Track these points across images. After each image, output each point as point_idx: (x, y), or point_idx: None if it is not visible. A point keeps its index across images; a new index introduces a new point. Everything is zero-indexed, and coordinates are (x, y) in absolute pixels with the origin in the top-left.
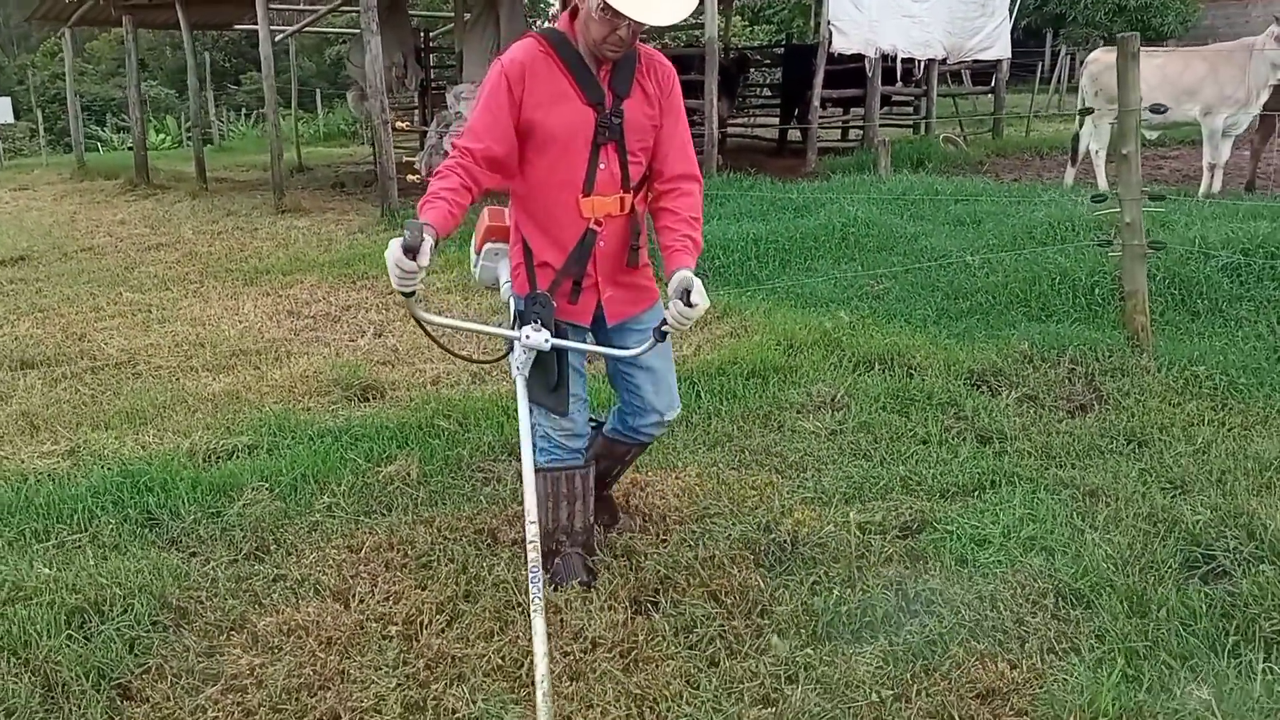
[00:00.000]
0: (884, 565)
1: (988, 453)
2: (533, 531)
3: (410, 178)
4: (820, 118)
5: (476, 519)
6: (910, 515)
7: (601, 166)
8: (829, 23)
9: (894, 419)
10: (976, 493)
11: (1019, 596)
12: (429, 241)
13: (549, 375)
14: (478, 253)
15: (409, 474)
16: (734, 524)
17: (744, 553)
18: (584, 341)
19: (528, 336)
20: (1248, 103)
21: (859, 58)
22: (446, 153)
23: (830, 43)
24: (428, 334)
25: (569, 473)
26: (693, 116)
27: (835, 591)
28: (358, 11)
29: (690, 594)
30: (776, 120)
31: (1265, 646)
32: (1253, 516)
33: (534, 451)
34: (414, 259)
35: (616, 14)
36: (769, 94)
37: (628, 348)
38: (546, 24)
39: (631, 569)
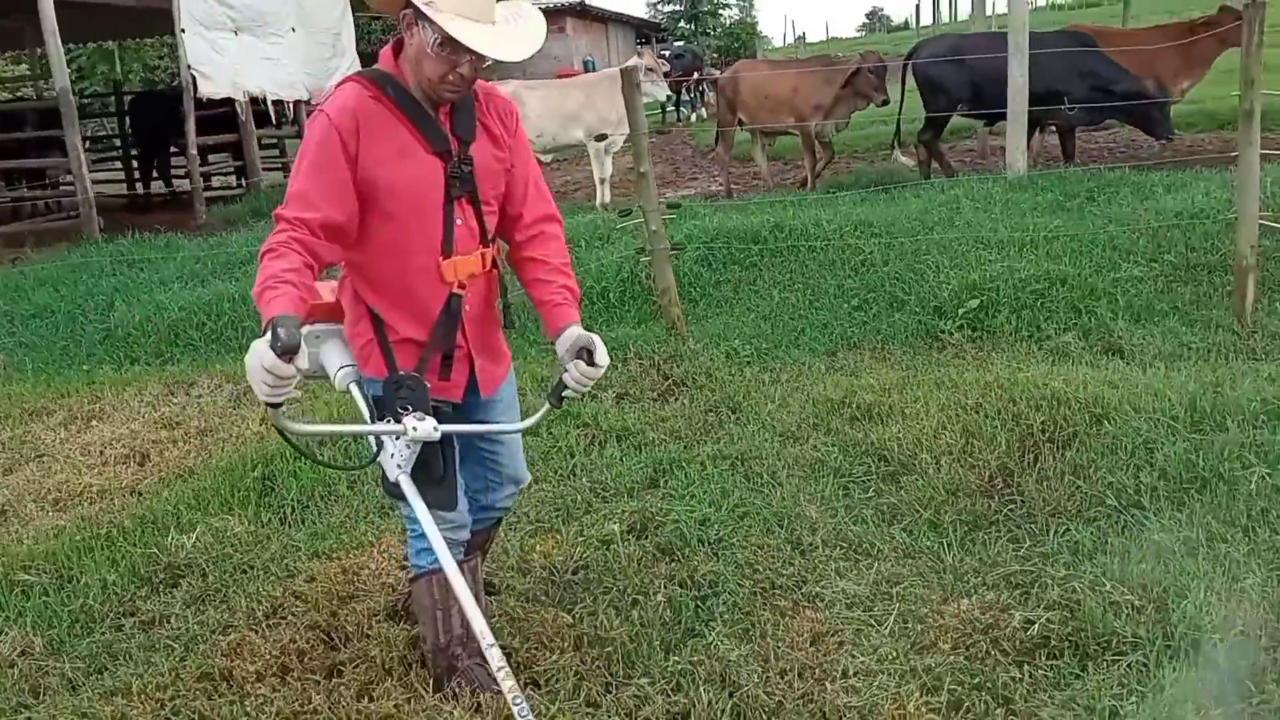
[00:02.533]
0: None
1: (632, 449)
2: (496, 655)
3: None
4: (201, 168)
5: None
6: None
7: (458, 223)
8: (190, 68)
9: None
10: (664, 482)
11: None
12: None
13: (432, 468)
14: None
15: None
16: None
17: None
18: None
19: (414, 428)
20: (621, 124)
21: (229, 101)
22: None
23: (196, 88)
24: (294, 446)
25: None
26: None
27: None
28: None
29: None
30: (122, 174)
31: None
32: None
33: (415, 555)
34: (290, 362)
35: (458, 49)
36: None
37: (498, 421)
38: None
39: None
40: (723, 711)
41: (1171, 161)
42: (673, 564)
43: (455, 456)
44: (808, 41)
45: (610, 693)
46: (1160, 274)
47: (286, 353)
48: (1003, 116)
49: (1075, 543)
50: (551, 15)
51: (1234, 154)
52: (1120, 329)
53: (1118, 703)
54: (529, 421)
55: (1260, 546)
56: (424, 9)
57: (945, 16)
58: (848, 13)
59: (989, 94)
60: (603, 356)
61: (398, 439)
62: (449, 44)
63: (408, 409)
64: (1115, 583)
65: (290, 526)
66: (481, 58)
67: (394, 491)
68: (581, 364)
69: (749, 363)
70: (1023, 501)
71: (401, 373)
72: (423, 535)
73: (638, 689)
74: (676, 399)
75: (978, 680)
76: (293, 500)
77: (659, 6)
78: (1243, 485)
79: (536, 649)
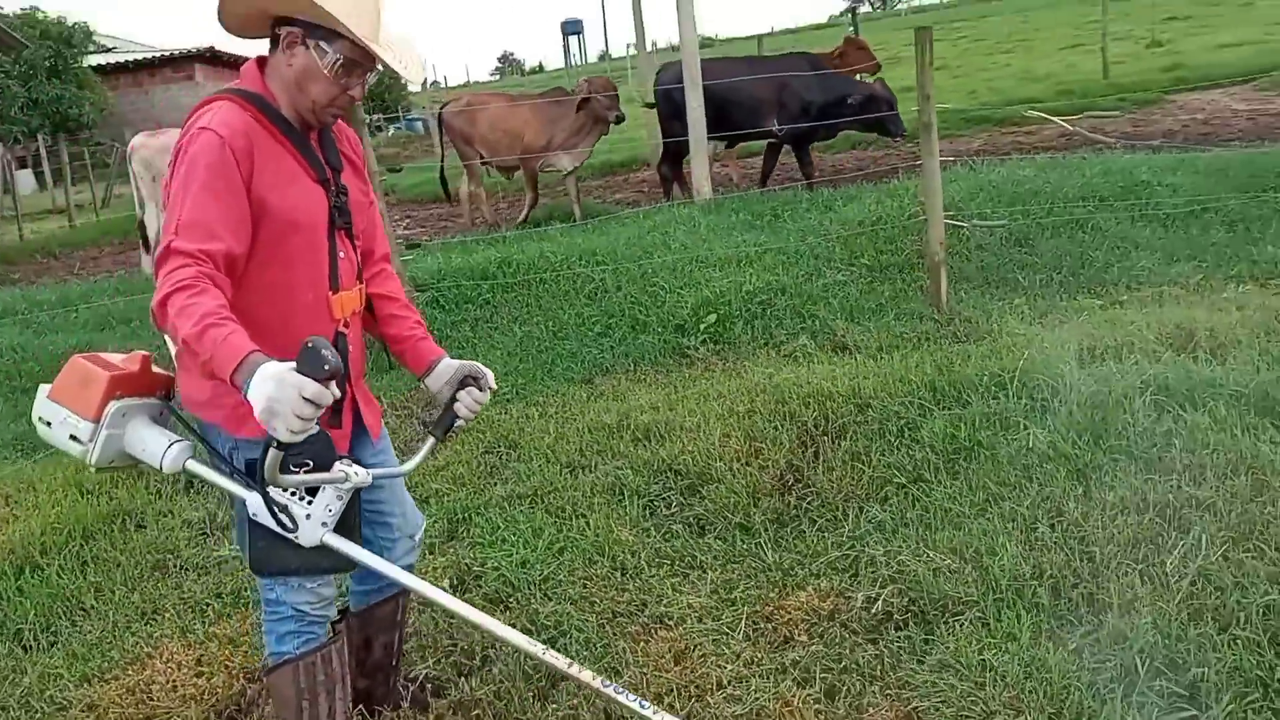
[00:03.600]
0: None
1: (419, 502)
2: None
3: None
4: None
5: None
6: None
7: (341, 256)
8: None
9: None
10: (464, 532)
11: None
12: None
13: (347, 525)
14: (93, 420)
15: None
16: None
17: None
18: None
19: (356, 474)
20: None
21: None
22: None
23: None
24: (270, 507)
25: (326, 652)
26: None
27: None
28: None
29: None
30: None
31: None
32: None
33: (277, 641)
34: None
35: (354, 71)
36: None
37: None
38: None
39: None
40: None
41: (822, 181)
42: (508, 612)
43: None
44: (448, 84)
45: None
46: (859, 276)
47: (333, 377)
48: (744, 138)
49: (878, 522)
50: (180, 63)
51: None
52: (841, 327)
53: (985, 655)
54: (414, 461)
55: (1036, 499)
56: (337, 28)
57: (577, 59)
58: (483, 57)
59: (725, 116)
60: (493, 381)
61: (343, 488)
62: (351, 65)
63: (307, 465)
64: (930, 551)
65: (38, 652)
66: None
67: (283, 566)
68: (474, 390)
69: (509, 400)
70: (817, 493)
71: None
72: (290, 618)
73: None
74: (448, 445)
75: (843, 664)
76: (31, 622)
77: None
78: (1001, 448)
79: None
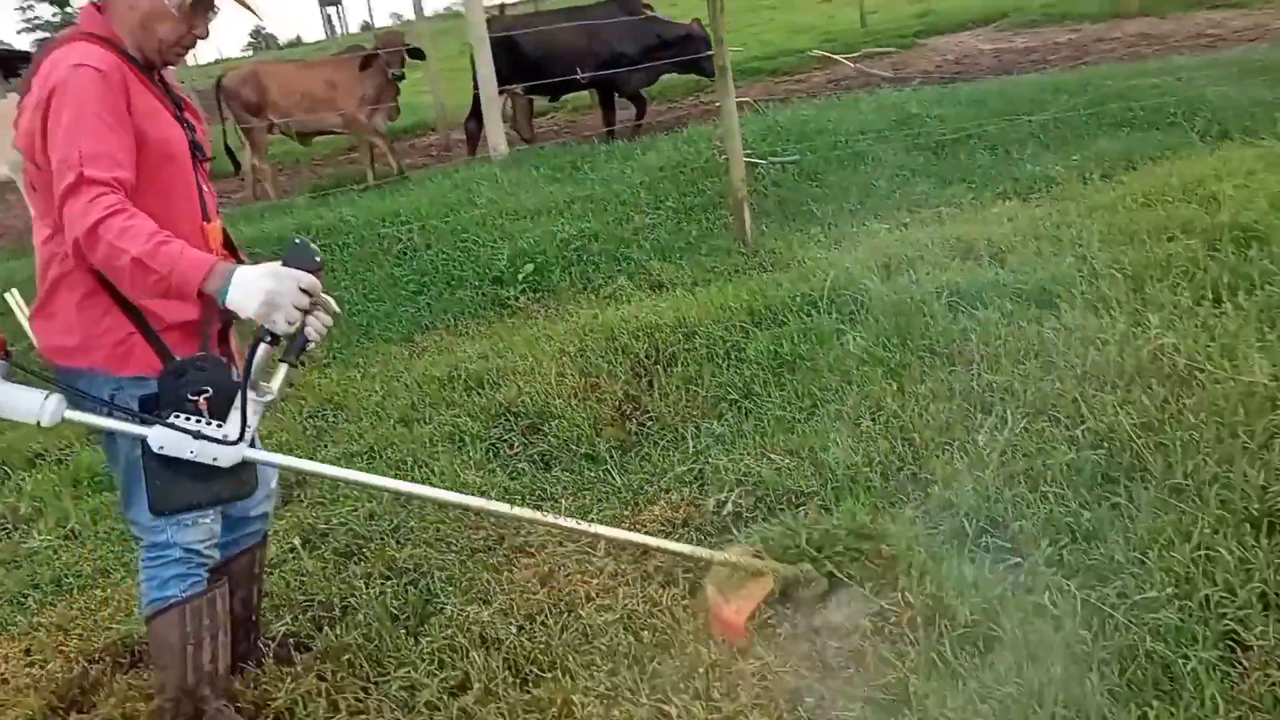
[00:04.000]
0: None
1: None
2: None
3: None
4: None
5: None
6: None
7: (204, 189)
8: None
9: None
10: (300, 494)
11: None
12: None
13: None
14: None
15: None
16: None
17: None
18: None
19: (268, 392)
20: None
21: None
22: None
23: None
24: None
25: (211, 596)
26: None
27: None
28: None
29: None
30: None
31: None
32: None
33: (160, 587)
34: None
35: (202, 9)
36: None
37: None
38: None
39: None
40: (500, 667)
41: (649, 125)
42: (364, 562)
43: None
44: (200, 63)
45: (371, 692)
46: (667, 219)
47: (321, 268)
48: (552, 90)
49: (718, 435)
50: None
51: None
52: (656, 267)
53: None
54: (275, 388)
55: (858, 398)
56: None
57: (339, 29)
58: (233, 35)
59: (539, 68)
60: (335, 305)
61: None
62: (198, 4)
63: (205, 390)
64: (769, 455)
65: None
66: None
67: (187, 500)
68: (320, 313)
69: (326, 365)
70: (656, 418)
71: (183, 358)
72: (177, 560)
73: (402, 679)
74: (270, 415)
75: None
76: None
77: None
78: (821, 359)
79: (271, 684)
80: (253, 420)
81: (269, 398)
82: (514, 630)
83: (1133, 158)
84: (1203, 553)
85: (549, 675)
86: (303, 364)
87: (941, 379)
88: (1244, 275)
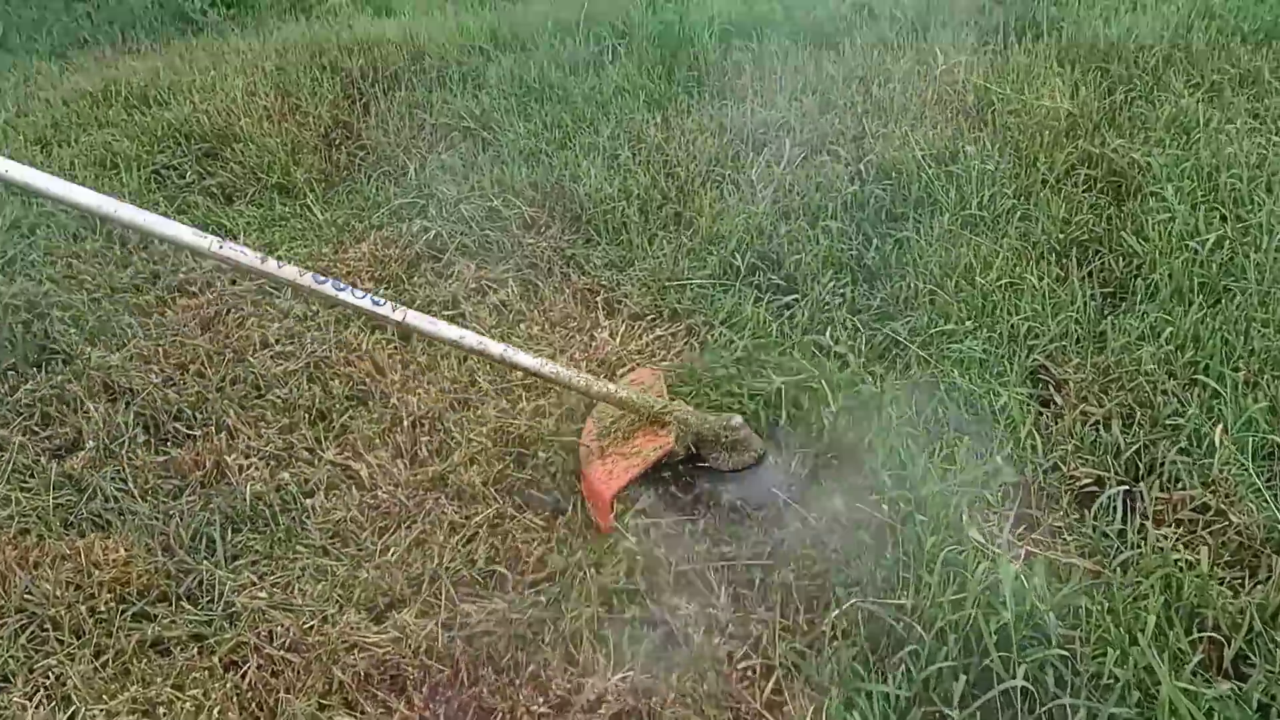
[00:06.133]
0: None
1: None
2: None
3: None
4: None
5: None
6: None
7: None
8: None
9: None
10: None
11: None
12: None
13: None
14: None
15: None
16: None
17: None
18: None
19: None
20: None
21: None
22: None
23: None
24: None
25: None
26: None
27: None
28: None
29: None
30: None
31: None
32: None
33: None
34: None
35: None
36: None
37: None
38: None
39: None
40: (130, 424)
41: None
42: None
43: None
44: None
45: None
46: None
47: None
48: None
49: (448, 166)
50: None
51: None
52: None
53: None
54: None
55: (615, 129)
56: None
57: None
58: None
59: None
60: None
61: None
62: None
63: None
64: (512, 186)
65: None
66: None
67: None
68: None
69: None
70: (371, 149)
71: None
72: None
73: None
74: None
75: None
76: None
77: None
78: (575, 89)
79: None
80: None
81: None
82: (155, 381)
83: None
84: (1006, 281)
85: (198, 434)
86: None
87: (711, 114)
88: (1032, 22)
